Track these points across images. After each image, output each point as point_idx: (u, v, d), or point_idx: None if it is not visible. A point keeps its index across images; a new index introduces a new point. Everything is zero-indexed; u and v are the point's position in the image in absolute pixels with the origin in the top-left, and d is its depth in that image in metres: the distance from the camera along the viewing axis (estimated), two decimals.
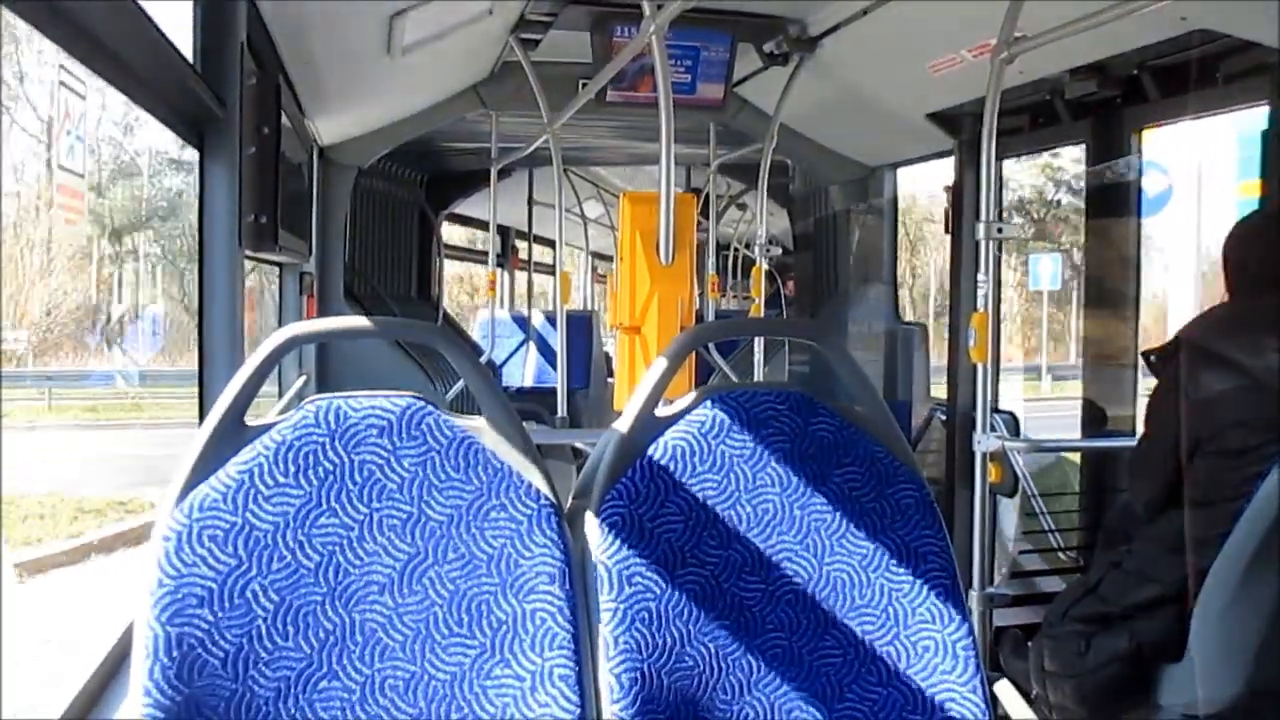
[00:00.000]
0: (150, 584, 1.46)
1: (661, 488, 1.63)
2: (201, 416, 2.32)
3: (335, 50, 3.24)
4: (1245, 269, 2.34)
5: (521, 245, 9.44)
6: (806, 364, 5.15)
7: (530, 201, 7.16)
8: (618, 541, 1.60)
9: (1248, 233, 2.42)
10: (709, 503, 1.64)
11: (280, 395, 3.88)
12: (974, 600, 2.73)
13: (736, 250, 10.48)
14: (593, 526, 1.61)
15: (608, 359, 7.51)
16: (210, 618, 1.47)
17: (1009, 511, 3.55)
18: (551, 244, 9.30)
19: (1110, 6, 2.37)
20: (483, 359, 5.15)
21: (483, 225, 9.08)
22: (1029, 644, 2.66)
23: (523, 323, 7.34)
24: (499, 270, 8.72)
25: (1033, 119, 3.66)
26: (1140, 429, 2.71)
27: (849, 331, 4.89)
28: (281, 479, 1.52)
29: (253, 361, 1.54)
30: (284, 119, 2.78)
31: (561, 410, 4.09)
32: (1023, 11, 2.61)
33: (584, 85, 3.74)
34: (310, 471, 1.53)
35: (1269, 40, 2.63)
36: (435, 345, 1.76)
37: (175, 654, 1.44)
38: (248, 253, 2.52)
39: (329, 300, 4.51)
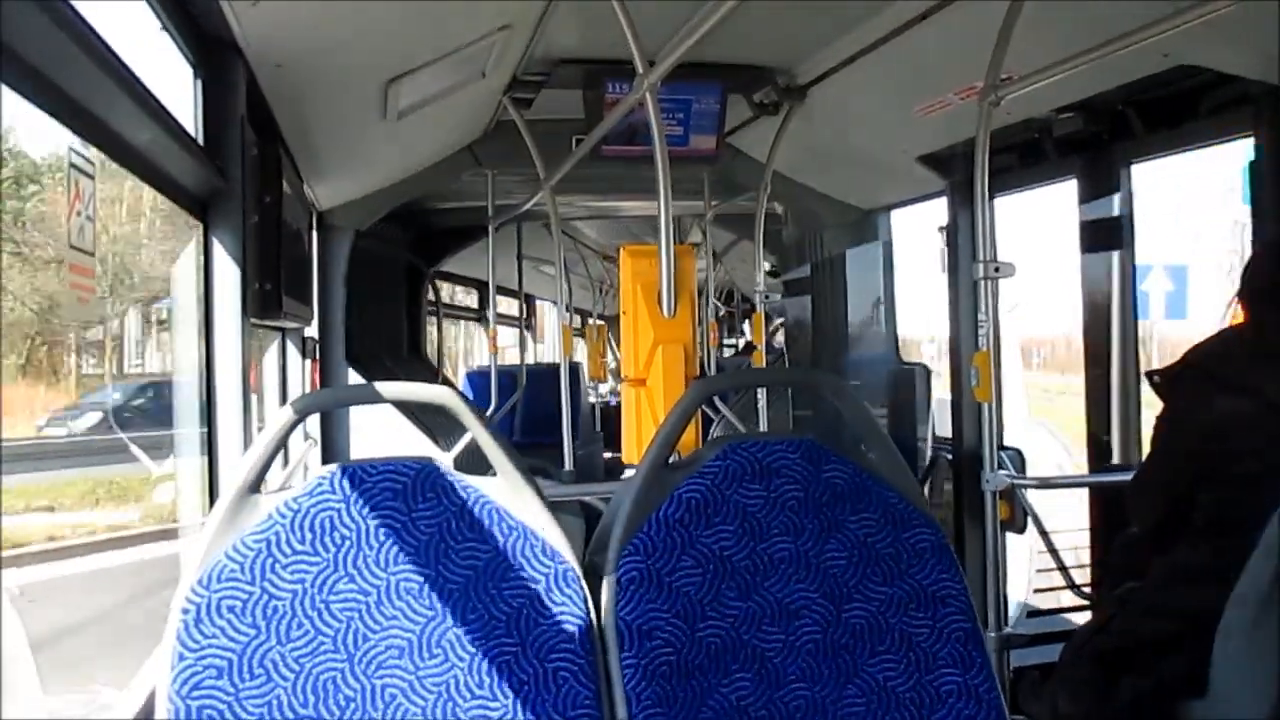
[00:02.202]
0: (170, 658, 1.46)
1: (678, 541, 1.64)
2: (210, 487, 2.33)
3: (332, 117, 3.28)
4: (1256, 292, 2.33)
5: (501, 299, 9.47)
6: (810, 407, 5.16)
7: (519, 256, 7.17)
8: (636, 597, 1.60)
9: (1260, 257, 2.41)
10: (725, 554, 1.64)
11: (285, 460, 3.88)
12: (990, 641, 2.71)
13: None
14: (610, 583, 1.61)
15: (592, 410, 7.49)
16: (230, 689, 1.46)
17: (1021, 549, 3.54)
18: (514, 295, 9.42)
19: (1093, 46, 2.41)
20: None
21: (462, 281, 9.15)
22: (1046, 684, 2.63)
23: (509, 377, 7.31)
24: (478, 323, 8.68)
25: (1022, 157, 3.71)
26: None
27: (849, 375, 4.90)
28: (299, 546, 1.52)
29: (269, 431, 1.56)
30: (284, 186, 2.82)
31: (569, 464, 4.09)
32: (1008, 53, 2.66)
33: (578, 142, 3.78)
34: (327, 538, 1.53)
35: (1249, 73, 2.67)
36: (447, 408, 1.78)
37: None
38: (253, 320, 2.54)
39: (332, 363, 4.52)
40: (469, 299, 9.84)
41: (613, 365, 11.55)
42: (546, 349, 12.16)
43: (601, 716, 1.54)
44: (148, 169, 2.01)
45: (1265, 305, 2.30)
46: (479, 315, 9.48)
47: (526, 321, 9.94)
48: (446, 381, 7.40)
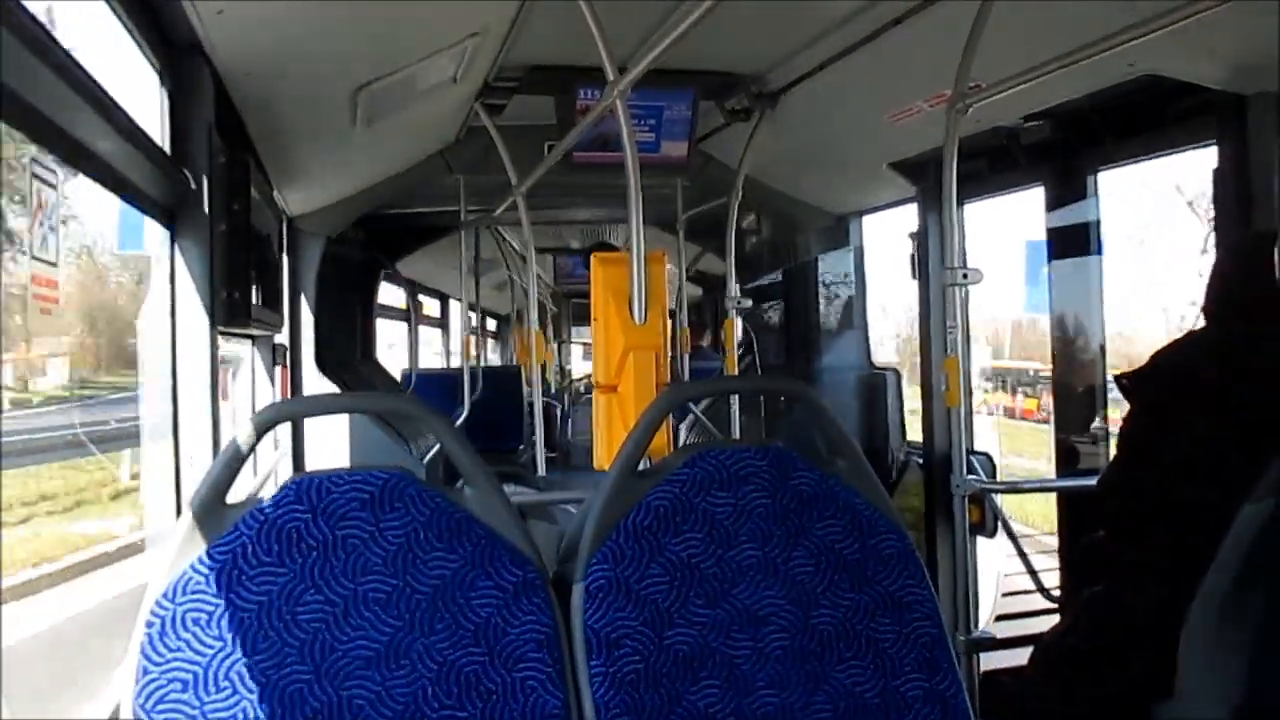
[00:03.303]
0: (135, 672, 1.45)
1: (646, 549, 1.64)
2: (178, 498, 2.31)
3: (302, 123, 3.27)
4: (1220, 296, 2.36)
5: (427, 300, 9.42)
6: (782, 412, 5.18)
7: (477, 259, 7.11)
8: (604, 605, 1.60)
9: (1225, 258, 2.44)
10: (694, 562, 1.65)
11: (255, 468, 3.85)
12: (959, 645, 2.73)
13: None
14: (579, 591, 1.61)
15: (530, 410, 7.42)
16: (196, 702, 1.45)
17: (991, 553, 3.56)
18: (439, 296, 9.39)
19: (1060, 55, 2.44)
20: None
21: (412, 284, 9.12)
22: (1014, 688, 2.64)
23: (451, 380, 7.17)
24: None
25: (991, 164, 3.74)
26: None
27: (820, 380, 4.92)
28: (265, 558, 1.51)
29: (236, 440, 1.54)
30: (253, 193, 2.80)
31: (541, 469, 4.09)
32: (977, 61, 2.68)
33: (550, 147, 3.78)
34: (294, 549, 1.53)
35: (1212, 83, 2.71)
36: (416, 418, 1.77)
37: None
38: (221, 328, 2.52)
39: (302, 370, 4.49)
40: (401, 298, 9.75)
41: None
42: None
43: None
44: (111, 177, 1.99)
45: (1228, 310, 2.33)
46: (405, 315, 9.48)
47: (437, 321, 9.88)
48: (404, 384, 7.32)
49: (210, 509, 1.52)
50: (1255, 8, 2.16)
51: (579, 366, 14.04)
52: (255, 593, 1.50)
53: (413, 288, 8.41)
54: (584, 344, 14.14)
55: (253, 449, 1.57)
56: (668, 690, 1.58)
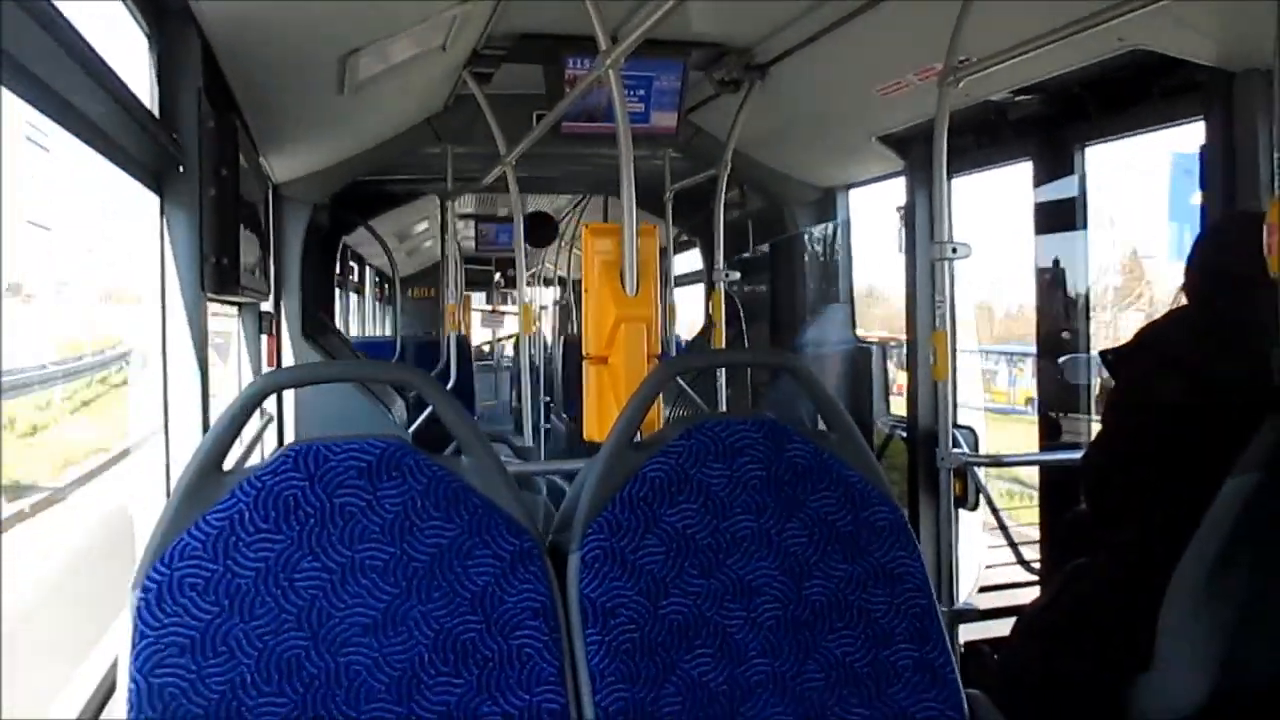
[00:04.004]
0: (131, 636, 1.45)
1: (642, 519, 1.65)
2: (168, 464, 2.31)
3: (289, 89, 3.23)
4: (1203, 274, 2.37)
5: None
6: (767, 384, 5.20)
7: (446, 227, 7.08)
8: (600, 575, 1.62)
9: (1206, 238, 2.46)
10: (689, 532, 1.66)
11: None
12: (942, 616, 2.76)
13: None
14: (575, 561, 1.63)
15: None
16: (193, 668, 1.46)
17: (974, 526, 3.60)
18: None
19: (1049, 30, 2.44)
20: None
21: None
22: (996, 658, 2.68)
23: (389, 348, 7.08)
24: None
25: (979, 138, 3.75)
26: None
27: (807, 353, 4.94)
28: (262, 525, 1.52)
29: (232, 407, 1.54)
30: (241, 160, 2.77)
31: (528, 439, 4.09)
32: (967, 35, 2.68)
33: (539, 117, 3.76)
34: (291, 516, 1.53)
35: (1199, 58, 2.72)
36: (415, 387, 1.77)
37: (158, 705, 1.43)
38: (210, 295, 2.51)
39: (289, 338, 4.47)
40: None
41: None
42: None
43: (565, 694, 1.56)
44: (100, 140, 1.97)
45: (1211, 285, 2.35)
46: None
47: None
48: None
49: (206, 476, 1.52)
50: None
51: (477, 333, 13.99)
52: (252, 559, 1.50)
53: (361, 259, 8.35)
54: (479, 311, 14.18)
55: (248, 417, 1.57)
56: (662, 659, 1.60)
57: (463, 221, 8.42)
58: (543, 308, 10.79)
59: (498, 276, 12.29)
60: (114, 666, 1.49)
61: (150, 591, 1.47)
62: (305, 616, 1.51)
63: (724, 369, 4.52)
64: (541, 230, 6.70)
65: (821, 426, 1.80)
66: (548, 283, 11.13)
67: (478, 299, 13.85)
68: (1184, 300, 2.41)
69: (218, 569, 1.49)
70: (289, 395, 4.34)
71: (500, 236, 8.05)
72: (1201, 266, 2.37)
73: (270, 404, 4.26)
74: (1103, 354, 2.51)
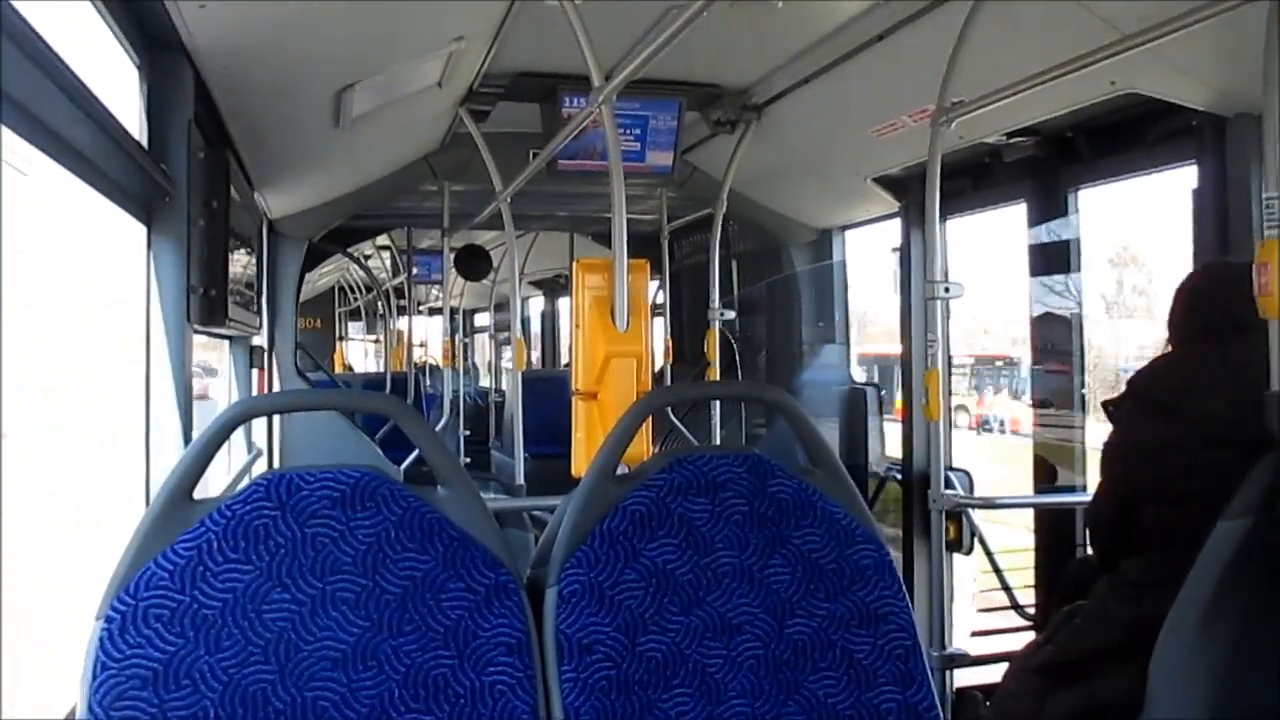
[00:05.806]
0: (91, 667, 1.42)
1: (621, 554, 1.62)
2: (148, 495, 2.28)
3: (284, 124, 3.25)
4: (1187, 319, 2.39)
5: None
6: (762, 425, 5.17)
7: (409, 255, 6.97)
8: (578, 610, 1.58)
9: (1189, 284, 2.47)
10: (669, 567, 1.63)
11: (230, 472, 3.81)
12: (933, 660, 2.72)
13: None
14: (552, 595, 1.59)
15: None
16: (156, 700, 1.42)
17: (968, 569, 3.56)
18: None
19: (1042, 71, 2.45)
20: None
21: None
22: (988, 704, 2.64)
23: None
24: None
25: (974, 180, 3.75)
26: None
27: (802, 394, 4.92)
28: (231, 555, 1.49)
29: (203, 435, 1.52)
30: (233, 193, 2.78)
31: (519, 477, 4.06)
32: (961, 77, 2.69)
33: (534, 155, 3.77)
34: (261, 546, 1.50)
35: (1192, 102, 2.72)
36: (391, 416, 1.75)
37: None
38: (196, 327, 2.50)
39: (280, 373, 4.46)
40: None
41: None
42: None
43: None
44: (89, 171, 1.97)
45: (1196, 331, 2.37)
46: None
47: None
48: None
49: (176, 504, 1.49)
50: (1235, 30, 2.17)
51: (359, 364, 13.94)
52: (220, 590, 1.47)
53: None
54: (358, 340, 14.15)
55: (220, 445, 1.55)
56: (639, 697, 1.57)
57: (382, 252, 8.44)
58: (422, 344, 10.59)
59: (380, 306, 12.23)
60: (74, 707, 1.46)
61: (114, 622, 1.44)
62: (273, 649, 1.47)
63: (719, 407, 4.50)
64: (474, 263, 6.54)
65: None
66: (434, 312, 10.99)
67: (355, 328, 13.86)
68: (1169, 348, 2.43)
69: (185, 599, 1.46)
70: (277, 430, 4.32)
71: (433, 271, 7.87)
72: (1185, 312, 2.39)
73: (260, 438, 4.24)
74: (1104, 404, 2.53)
